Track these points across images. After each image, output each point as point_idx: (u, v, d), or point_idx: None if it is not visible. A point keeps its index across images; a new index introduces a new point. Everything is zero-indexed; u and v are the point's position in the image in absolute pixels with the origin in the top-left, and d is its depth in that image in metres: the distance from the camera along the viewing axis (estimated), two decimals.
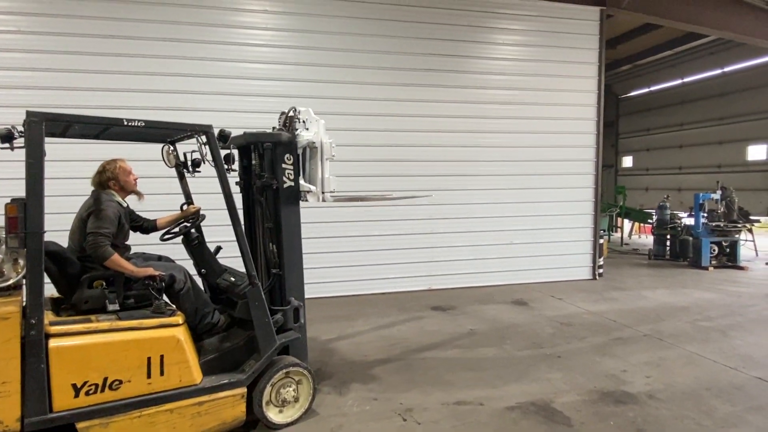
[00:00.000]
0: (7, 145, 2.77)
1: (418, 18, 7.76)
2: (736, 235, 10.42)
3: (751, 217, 11.35)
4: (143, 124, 3.12)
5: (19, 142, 2.78)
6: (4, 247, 2.78)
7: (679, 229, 11.32)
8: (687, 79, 17.53)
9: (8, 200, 2.83)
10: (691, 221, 11.06)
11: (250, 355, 3.54)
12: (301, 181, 3.95)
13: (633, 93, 20.52)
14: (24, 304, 2.75)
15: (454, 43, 8.00)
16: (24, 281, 2.77)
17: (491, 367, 4.72)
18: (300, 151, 3.95)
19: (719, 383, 4.34)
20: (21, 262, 2.81)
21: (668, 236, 11.58)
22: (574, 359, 4.92)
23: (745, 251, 10.91)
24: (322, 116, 4.06)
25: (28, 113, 2.75)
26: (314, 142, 3.92)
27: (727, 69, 15.90)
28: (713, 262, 10.28)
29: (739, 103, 15.84)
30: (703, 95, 17.20)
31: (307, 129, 3.96)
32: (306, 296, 4.08)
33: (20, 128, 2.79)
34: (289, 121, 3.99)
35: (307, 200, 3.96)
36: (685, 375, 4.52)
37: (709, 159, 17.06)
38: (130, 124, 3.08)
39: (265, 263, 4.00)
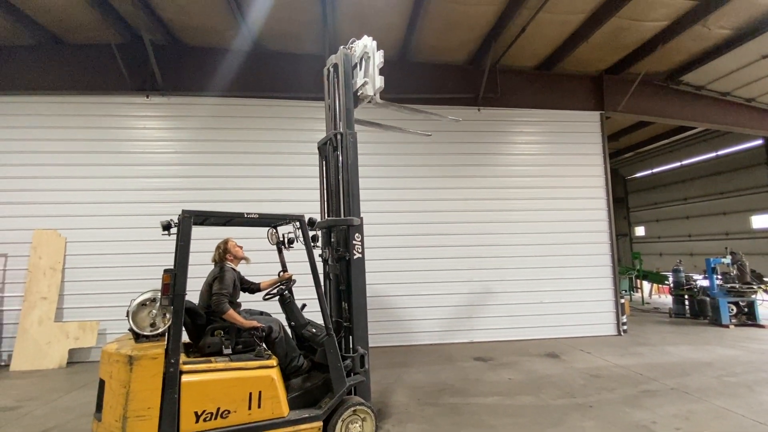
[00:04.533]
0: (166, 232, 3.21)
1: (455, 127, 8.16)
2: (753, 296, 9.21)
3: (765, 279, 10.03)
4: (257, 216, 3.49)
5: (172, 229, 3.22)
6: (158, 304, 3.11)
7: (696, 290, 10.19)
8: (685, 162, 16.70)
9: (158, 268, 3.21)
10: (705, 283, 9.96)
11: (326, 394, 3.54)
12: (358, 79, 4.15)
13: (638, 174, 19.70)
14: (166, 347, 3.00)
15: (483, 145, 8.29)
16: (168, 330, 3.05)
17: (529, 414, 4.34)
18: (357, 60, 4.21)
19: None
20: (168, 316, 3.11)
21: (686, 296, 10.43)
22: (605, 409, 4.42)
23: (763, 310, 9.54)
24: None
25: (183, 211, 3.20)
26: (368, 52, 4.11)
27: (720, 152, 15.04)
28: (733, 321, 9.04)
29: (735, 180, 14.73)
30: (701, 174, 16.18)
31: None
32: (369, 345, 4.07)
33: (175, 220, 3.23)
34: (351, 48, 4.32)
35: (364, 92, 4.08)
36: (715, 429, 3.92)
37: (716, 227, 15.60)
38: (248, 216, 3.46)
39: (337, 317, 4.09)
